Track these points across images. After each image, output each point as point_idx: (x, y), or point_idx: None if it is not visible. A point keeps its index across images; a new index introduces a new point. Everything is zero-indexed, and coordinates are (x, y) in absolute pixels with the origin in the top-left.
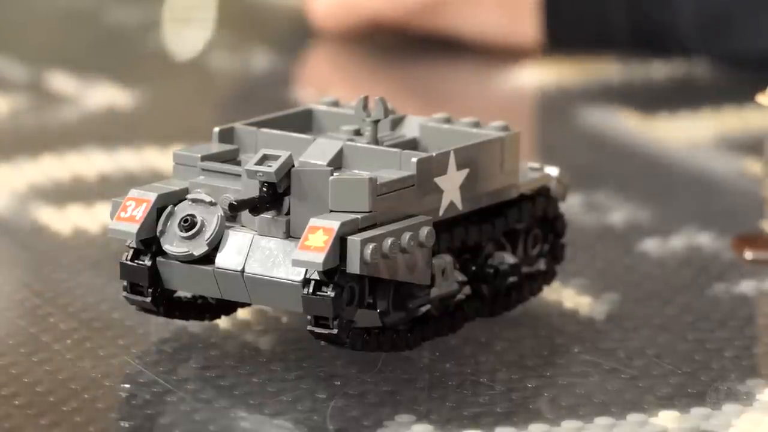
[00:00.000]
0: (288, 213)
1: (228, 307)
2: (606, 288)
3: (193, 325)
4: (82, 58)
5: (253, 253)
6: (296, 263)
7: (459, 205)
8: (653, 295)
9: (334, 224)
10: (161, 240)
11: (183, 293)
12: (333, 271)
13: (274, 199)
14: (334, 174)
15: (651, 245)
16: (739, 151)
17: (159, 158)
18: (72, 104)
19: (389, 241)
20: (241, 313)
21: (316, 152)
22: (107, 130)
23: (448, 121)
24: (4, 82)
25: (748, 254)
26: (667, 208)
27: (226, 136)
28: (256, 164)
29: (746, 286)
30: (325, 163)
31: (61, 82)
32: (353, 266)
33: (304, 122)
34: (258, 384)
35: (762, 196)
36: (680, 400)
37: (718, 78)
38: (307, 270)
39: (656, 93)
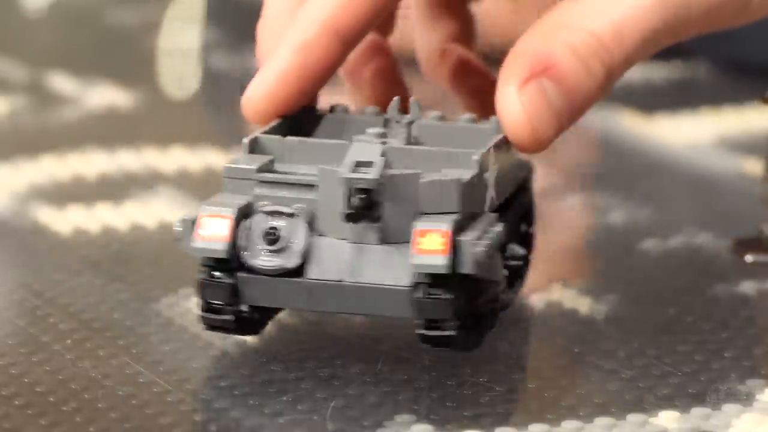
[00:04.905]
0: (379, 218)
1: (267, 319)
2: (606, 288)
3: (193, 326)
4: (83, 58)
5: (349, 261)
6: (417, 267)
7: (495, 200)
8: (653, 295)
9: (445, 226)
10: (244, 255)
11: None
12: (443, 274)
13: (372, 206)
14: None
15: (651, 245)
16: (739, 151)
17: (159, 158)
18: (72, 104)
19: (490, 239)
20: None
21: (360, 157)
22: (107, 130)
23: (442, 119)
24: (4, 82)
25: (749, 257)
26: (667, 208)
27: (253, 145)
28: (352, 171)
29: (747, 287)
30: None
31: (61, 82)
32: (467, 266)
33: (313, 128)
34: (258, 384)
35: (762, 198)
36: (680, 400)
37: (718, 79)
38: (416, 274)
39: (656, 93)
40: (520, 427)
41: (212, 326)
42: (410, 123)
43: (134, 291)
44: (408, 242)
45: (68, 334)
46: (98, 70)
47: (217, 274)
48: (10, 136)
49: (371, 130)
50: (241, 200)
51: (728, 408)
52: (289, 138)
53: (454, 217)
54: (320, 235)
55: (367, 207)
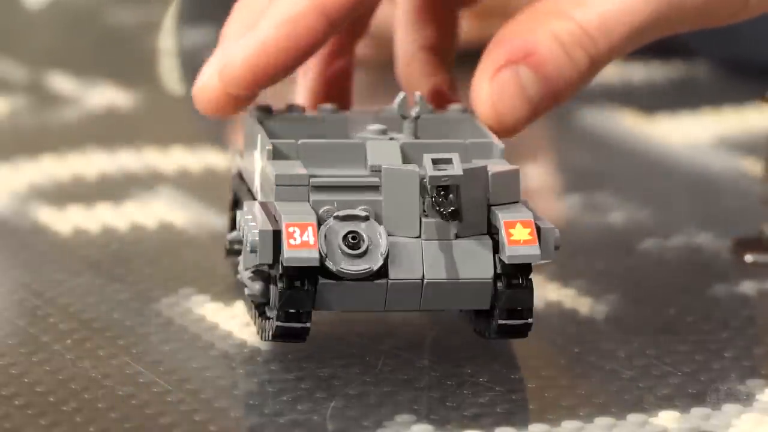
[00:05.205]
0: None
1: None
2: (606, 289)
3: (193, 326)
4: (83, 58)
5: (428, 258)
6: (512, 258)
7: None
8: (653, 295)
9: (529, 215)
10: (328, 262)
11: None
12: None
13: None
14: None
15: (651, 245)
16: (739, 151)
17: (159, 158)
18: (72, 104)
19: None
20: (241, 313)
21: (381, 155)
22: (107, 130)
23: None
24: (4, 82)
25: (748, 257)
26: (667, 209)
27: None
28: (435, 170)
29: (747, 287)
30: (400, 163)
31: (61, 82)
32: (548, 254)
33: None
34: (258, 384)
35: (762, 198)
36: (680, 400)
37: (718, 79)
38: (501, 265)
39: (656, 93)
40: (520, 427)
41: (286, 335)
42: (416, 118)
43: (134, 291)
44: (479, 234)
45: (68, 334)
46: (98, 70)
47: (297, 282)
48: (10, 136)
49: (372, 128)
50: (308, 207)
51: (728, 408)
52: (303, 141)
53: (521, 206)
54: (392, 234)
55: (453, 203)
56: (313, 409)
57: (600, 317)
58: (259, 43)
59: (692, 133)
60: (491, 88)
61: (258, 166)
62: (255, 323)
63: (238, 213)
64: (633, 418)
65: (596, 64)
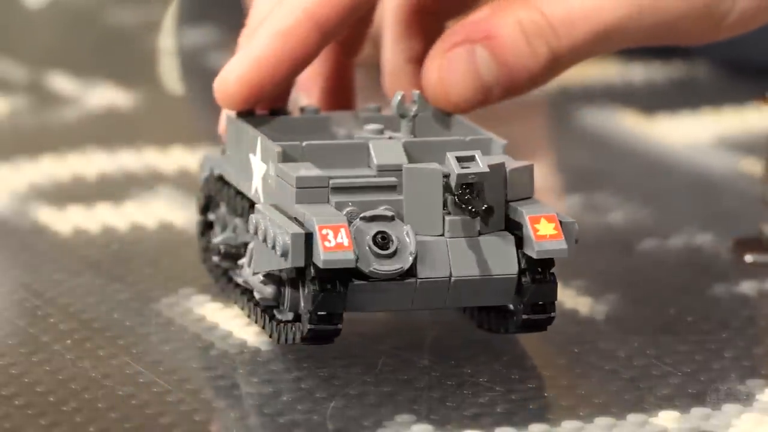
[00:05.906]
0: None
1: None
2: (606, 289)
3: (193, 326)
4: (83, 58)
5: (454, 256)
6: (541, 254)
7: None
8: (653, 295)
9: (552, 210)
10: (360, 263)
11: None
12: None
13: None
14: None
15: (651, 245)
16: (739, 151)
17: (159, 158)
18: (72, 105)
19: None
20: (241, 313)
21: (385, 154)
22: (107, 130)
23: (379, 110)
24: (4, 82)
25: (748, 257)
26: (667, 209)
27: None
28: (461, 168)
29: (747, 287)
30: (406, 162)
31: (61, 82)
32: (570, 248)
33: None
34: (258, 384)
35: (762, 198)
36: (680, 400)
37: (718, 79)
38: (520, 261)
39: (656, 93)
40: (520, 427)
41: (317, 338)
42: (414, 116)
43: (134, 291)
44: (498, 230)
45: (68, 334)
46: (98, 70)
47: (329, 285)
48: (10, 136)
49: (369, 127)
50: (332, 209)
51: (728, 408)
52: (308, 142)
53: (538, 201)
54: (418, 233)
55: (484, 200)
56: (313, 409)
57: (600, 317)
58: (252, 58)
59: (692, 133)
60: (441, 62)
61: (257, 169)
62: (264, 327)
63: (250, 217)
64: (633, 418)
65: (557, 59)
